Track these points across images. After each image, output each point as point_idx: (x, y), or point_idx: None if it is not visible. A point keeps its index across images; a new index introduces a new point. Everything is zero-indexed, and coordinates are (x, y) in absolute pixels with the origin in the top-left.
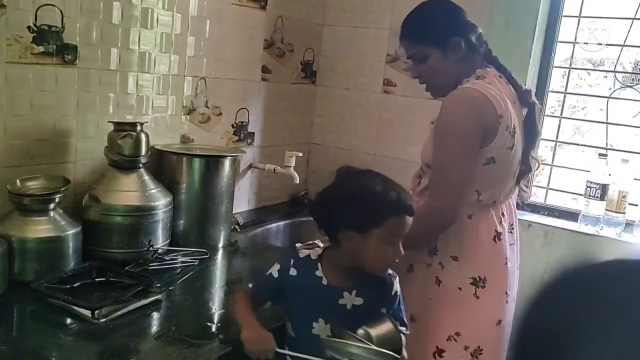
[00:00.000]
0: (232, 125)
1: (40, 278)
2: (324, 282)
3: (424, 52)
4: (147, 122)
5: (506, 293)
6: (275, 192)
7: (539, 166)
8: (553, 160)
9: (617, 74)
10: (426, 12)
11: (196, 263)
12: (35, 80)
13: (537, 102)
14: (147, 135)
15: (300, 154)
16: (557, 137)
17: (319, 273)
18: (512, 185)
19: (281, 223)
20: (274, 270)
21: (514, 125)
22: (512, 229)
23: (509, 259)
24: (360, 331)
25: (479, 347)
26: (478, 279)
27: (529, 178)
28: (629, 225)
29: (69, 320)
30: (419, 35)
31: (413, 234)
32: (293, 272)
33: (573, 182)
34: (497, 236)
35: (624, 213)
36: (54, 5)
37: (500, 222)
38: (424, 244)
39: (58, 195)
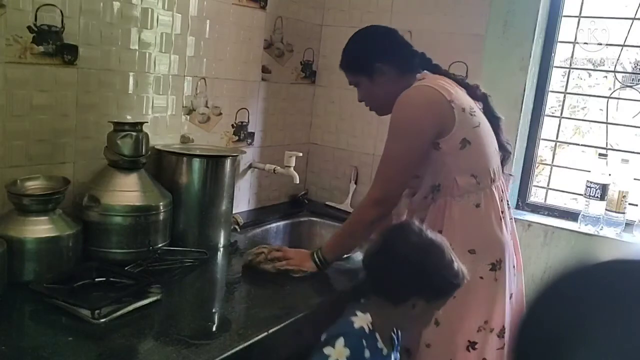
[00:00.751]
0: (232, 125)
1: (39, 278)
2: (385, 352)
3: (354, 80)
4: (147, 122)
5: (514, 267)
6: (275, 192)
7: (538, 165)
8: (553, 160)
9: (617, 74)
10: (351, 42)
11: (196, 263)
12: (34, 81)
13: (487, 93)
14: (147, 135)
15: (300, 154)
16: (557, 137)
17: (379, 345)
18: (499, 163)
19: (281, 223)
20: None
21: (470, 107)
22: (509, 205)
23: (511, 233)
24: None
25: (503, 327)
26: (496, 263)
27: (510, 163)
28: (629, 225)
29: (68, 321)
30: (347, 65)
31: (352, 232)
32: (367, 354)
33: (573, 182)
34: (502, 215)
35: (624, 213)
36: (54, 5)
37: (501, 200)
38: (357, 240)
39: (57, 196)
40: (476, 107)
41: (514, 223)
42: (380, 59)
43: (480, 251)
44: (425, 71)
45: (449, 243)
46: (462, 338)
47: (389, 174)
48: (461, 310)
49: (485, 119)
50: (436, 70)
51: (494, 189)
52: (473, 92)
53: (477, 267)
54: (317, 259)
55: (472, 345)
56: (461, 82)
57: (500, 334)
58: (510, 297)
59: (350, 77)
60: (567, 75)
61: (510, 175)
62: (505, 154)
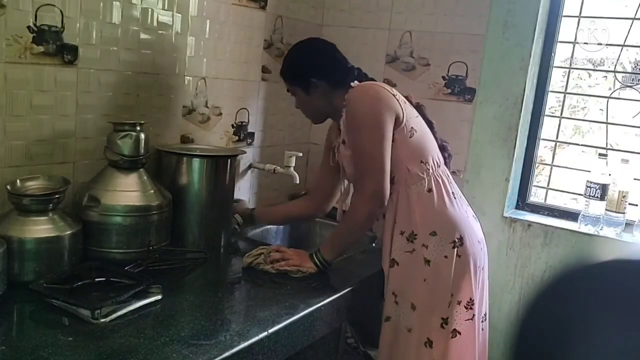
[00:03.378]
0: (232, 125)
1: (39, 278)
2: None
3: (291, 89)
4: (146, 122)
5: (478, 242)
6: (275, 192)
7: (538, 165)
8: (553, 160)
9: (617, 74)
10: (293, 53)
11: (196, 263)
12: (34, 81)
13: (420, 103)
14: (146, 135)
15: (300, 154)
16: (557, 137)
17: None
18: (438, 151)
19: None
20: None
21: (404, 100)
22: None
23: (467, 211)
24: None
25: (470, 299)
26: (456, 241)
27: (449, 152)
28: (629, 225)
29: (68, 321)
30: (286, 73)
31: (351, 230)
32: None
33: (573, 182)
34: (453, 195)
35: (624, 213)
36: (54, 5)
37: (450, 182)
38: (354, 238)
39: (57, 196)
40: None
41: (465, 202)
42: (315, 76)
43: (441, 232)
44: (356, 82)
45: (412, 229)
46: (437, 317)
47: (373, 167)
48: (433, 291)
49: (418, 114)
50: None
51: (440, 173)
52: (409, 101)
53: (441, 248)
54: (316, 260)
55: (445, 321)
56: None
57: (468, 306)
58: (481, 269)
59: (288, 85)
60: (567, 75)
61: (455, 172)
62: (446, 155)
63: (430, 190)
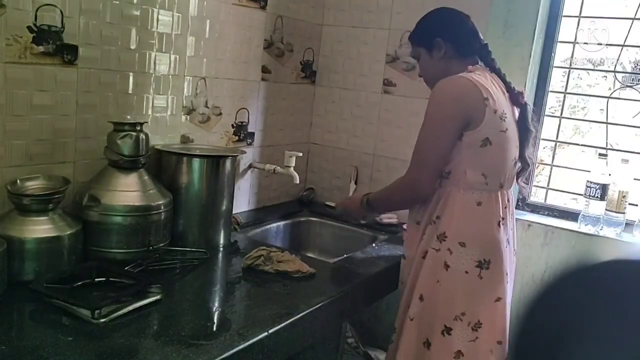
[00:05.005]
0: (232, 125)
1: (39, 278)
2: None
3: (415, 52)
4: (147, 122)
5: (506, 274)
6: (275, 192)
7: (537, 165)
8: (553, 160)
9: (617, 74)
10: (426, 15)
11: (196, 263)
12: (34, 80)
13: (529, 103)
14: (147, 135)
15: (300, 154)
16: (557, 137)
17: None
18: (513, 173)
19: (281, 223)
20: None
21: (503, 111)
22: (512, 215)
23: (509, 242)
24: None
25: (478, 321)
26: (483, 262)
27: (527, 175)
28: (629, 225)
29: (68, 321)
30: (412, 37)
31: (390, 201)
32: None
33: (573, 182)
34: (502, 221)
35: (624, 213)
36: (54, 5)
37: (505, 207)
38: (399, 209)
39: (57, 195)
40: (510, 114)
41: (515, 236)
42: (440, 35)
43: (470, 246)
44: (479, 65)
45: (445, 230)
46: (440, 322)
47: (419, 159)
48: (443, 295)
49: (514, 127)
50: (490, 64)
51: (499, 195)
52: (515, 97)
53: (463, 261)
54: (364, 202)
55: (447, 330)
56: (506, 84)
57: (475, 328)
58: (497, 300)
59: (413, 48)
60: (567, 75)
61: (524, 185)
62: (524, 166)
63: (480, 203)
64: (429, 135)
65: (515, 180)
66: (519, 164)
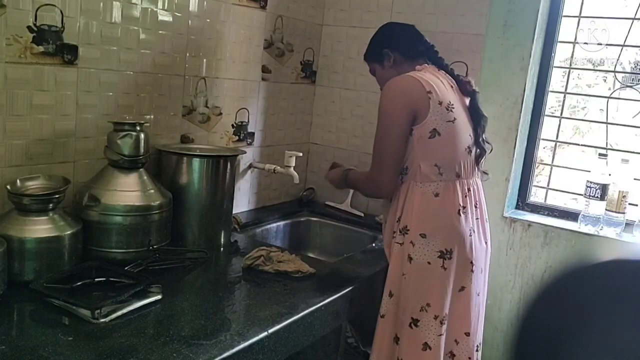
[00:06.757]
0: (232, 125)
1: (39, 278)
2: None
3: (371, 68)
4: (147, 122)
5: (471, 263)
6: (275, 192)
7: (538, 165)
8: (553, 160)
9: (617, 74)
10: (371, 39)
11: (196, 263)
12: (34, 80)
13: (477, 90)
14: (147, 135)
15: (300, 154)
16: (557, 137)
17: None
18: (471, 162)
19: (281, 223)
20: None
21: (449, 102)
22: (477, 204)
23: (474, 231)
24: None
25: (445, 314)
26: (445, 252)
27: (485, 159)
28: (629, 225)
29: (68, 320)
30: (365, 56)
31: (359, 189)
32: None
33: (573, 182)
34: (462, 209)
35: (624, 213)
36: (54, 5)
37: (465, 196)
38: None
39: (57, 195)
40: (458, 104)
41: (485, 226)
42: (386, 46)
43: (431, 237)
44: (426, 64)
45: (407, 224)
46: (407, 315)
47: (378, 160)
48: (408, 288)
49: (464, 117)
50: (438, 63)
51: (457, 184)
52: (463, 86)
53: (426, 252)
54: (344, 176)
55: (414, 322)
56: (454, 76)
57: (442, 322)
58: (461, 289)
59: (369, 66)
60: (567, 75)
61: (485, 173)
62: (481, 151)
63: (437, 195)
64: (384, 136)
65: (477, 168)
66: (476, 151)
